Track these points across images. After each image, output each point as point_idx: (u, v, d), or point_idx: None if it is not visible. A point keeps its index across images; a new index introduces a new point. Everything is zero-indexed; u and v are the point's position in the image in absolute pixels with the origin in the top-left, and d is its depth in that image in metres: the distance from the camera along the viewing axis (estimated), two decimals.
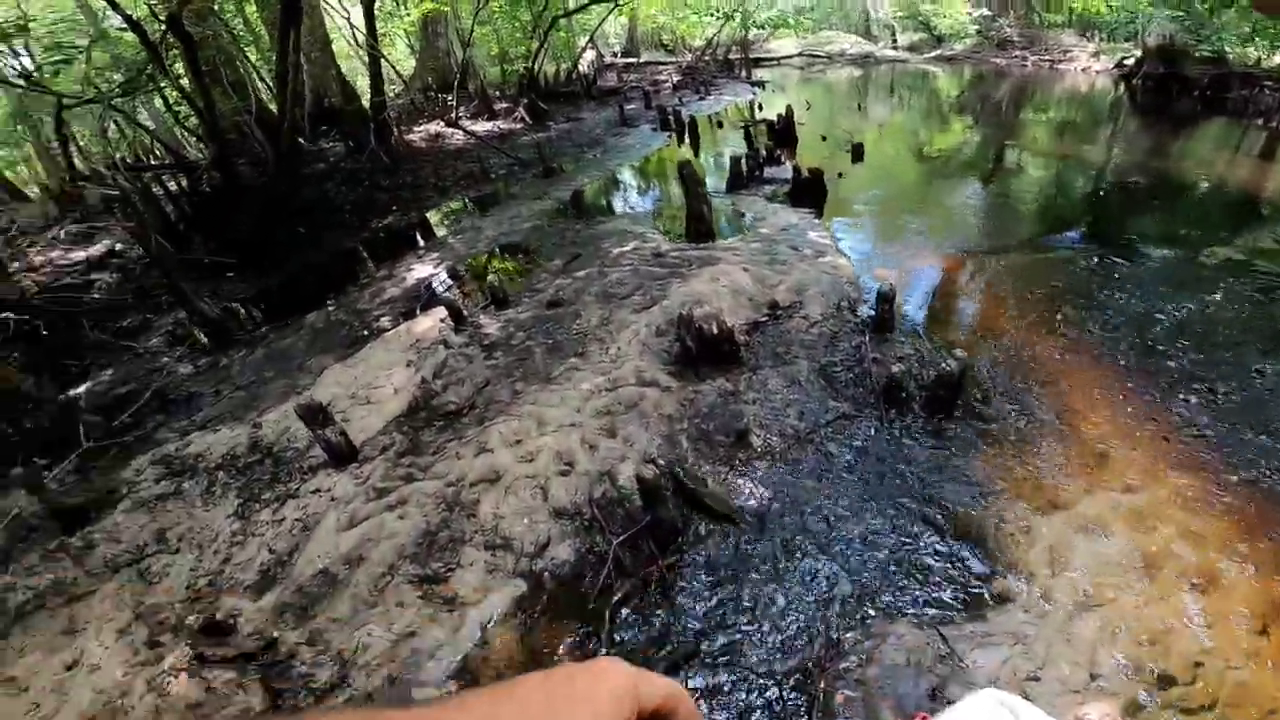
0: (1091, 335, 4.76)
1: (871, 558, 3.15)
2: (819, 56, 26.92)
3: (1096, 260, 5.92)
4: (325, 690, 2.80)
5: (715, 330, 4.41)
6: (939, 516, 3.32)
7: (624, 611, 3.03)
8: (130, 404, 5.44)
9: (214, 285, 8.15)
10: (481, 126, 15.09)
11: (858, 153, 9.64)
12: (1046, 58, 21.87)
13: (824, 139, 10.98)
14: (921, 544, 3.20)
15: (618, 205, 9.13)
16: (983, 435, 3.83)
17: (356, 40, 14.09)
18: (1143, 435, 3.76)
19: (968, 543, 3.17)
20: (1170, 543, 3.05)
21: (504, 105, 16.70)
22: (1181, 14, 14.19)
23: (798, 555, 3.20)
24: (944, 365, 3.86)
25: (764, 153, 9.29)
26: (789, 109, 10.85)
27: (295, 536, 3.64)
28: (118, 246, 9.35)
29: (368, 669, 2.84)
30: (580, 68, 20.11)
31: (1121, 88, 16.37)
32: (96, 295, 8.17)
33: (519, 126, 15.35)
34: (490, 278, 5.81)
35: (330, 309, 6.78)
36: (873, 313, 5.07)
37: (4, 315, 6.61)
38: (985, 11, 24.68)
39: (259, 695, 2.78)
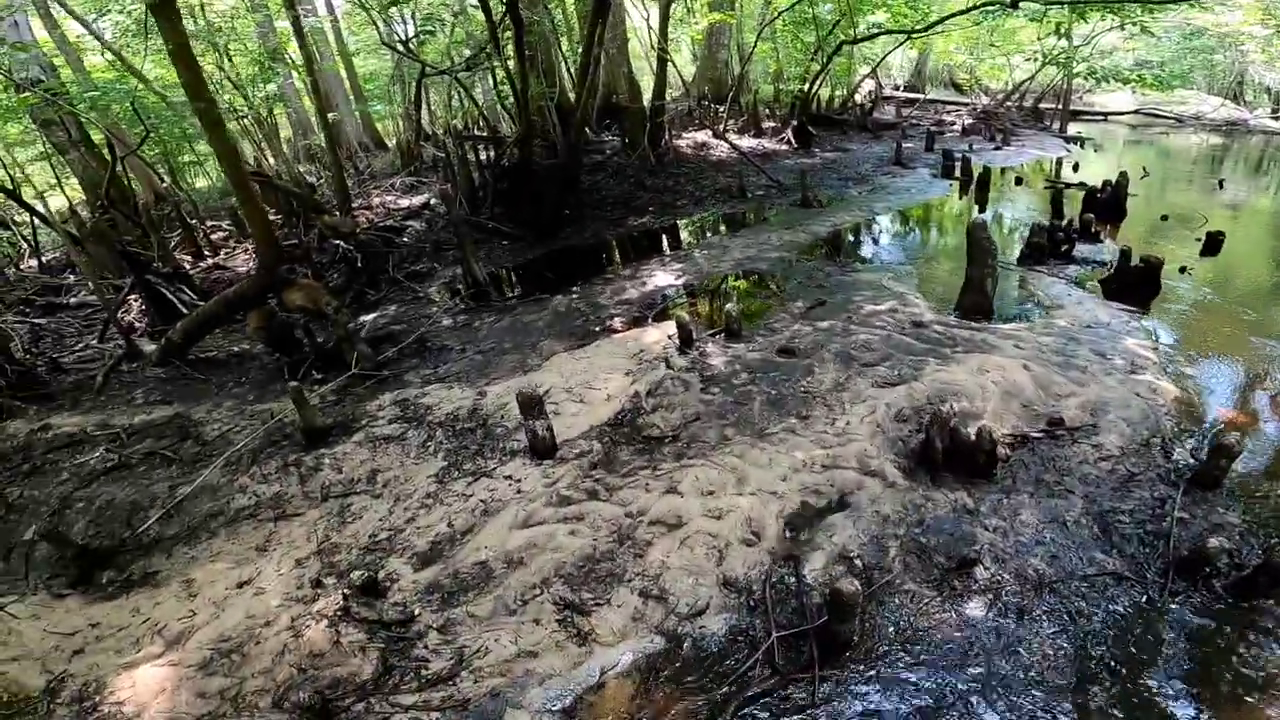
0: None
1: None
2: (1164, 116, 22.21)
3: None
4: (432, 681, 2.78)
5: (974, 437, 3.63)
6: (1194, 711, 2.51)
7: (752, 709, 2.65)
8: (397, 342, 6.29)
9: (488, 249, 9.23)
10: (746, 142, 15.10)
11: (1213, 244, 7.51)
12: None
13: (1164, 219, 8.80)
14: None
15: (877, 254, 8.30)
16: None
17: (650, 41, 14.96)
18: None
19: None
20: None
21: (772, 125, 16.53)
22: None
23: None
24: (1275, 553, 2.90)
25: (1076, 225, 7.71)
26: (1123, 175, 8.91)
27: (474, 517, 3.76)
28: (432, 201, 11.11)
29: (478, 674, 2.79)
30: (856, 97, 19.11)
31: None
32: (406, 240, 9.77)
33: (783, 148, 15.06)
34: (728, 306, 5.58)
35: (574, 296, 7.18)
36: (1194, 461, 3.89)
37: (336, 243, 8.17)
38: None
39: (372, 665, 2.85)
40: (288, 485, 4.26)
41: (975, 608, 2.95)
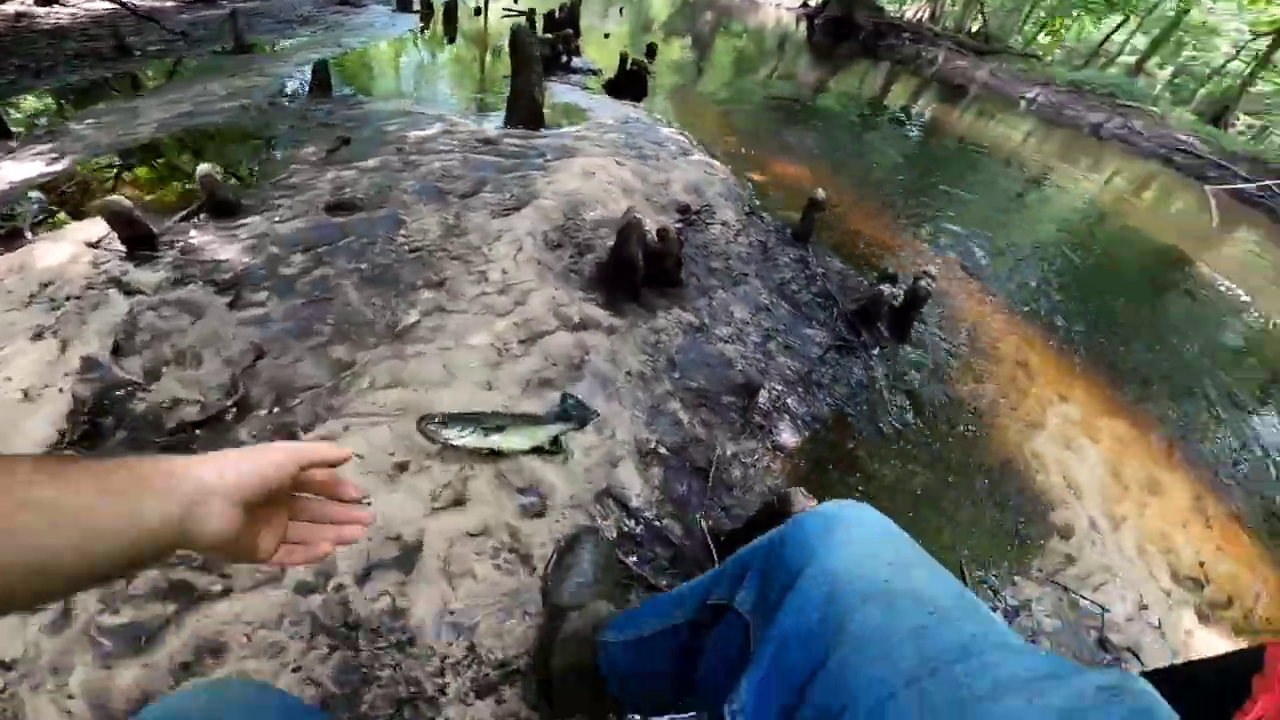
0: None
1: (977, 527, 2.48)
2: None
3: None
4: None
5: (660, 240, 2.91)
6: (987, 466, 2.77)
7: None
8: None
9: None
10: (101, 4, 9.87)
11: (651, 52, 8.68)
12: None
13: (607, 36, 9.73)
14: (988, 508, 2.59)
15: (377, 85, 6.46)
16: (934, 359, 3.36)
17: None
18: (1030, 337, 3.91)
19: (1005, 484, 2.71)
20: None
21: None
22: None
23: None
24: (919, 284, 3.25)
25: (562, 43, 7.56)
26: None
27: None
28: None
29: None
30: None
31: (803, 25, 19.02)
32: None
33: (170, 4, 10.50)
34: (203, 167, 3.16)
35: None
36: (775, 220, 4.31)
37: None
38: None
39: None
40: None
41: (787, 435, 2.40)
